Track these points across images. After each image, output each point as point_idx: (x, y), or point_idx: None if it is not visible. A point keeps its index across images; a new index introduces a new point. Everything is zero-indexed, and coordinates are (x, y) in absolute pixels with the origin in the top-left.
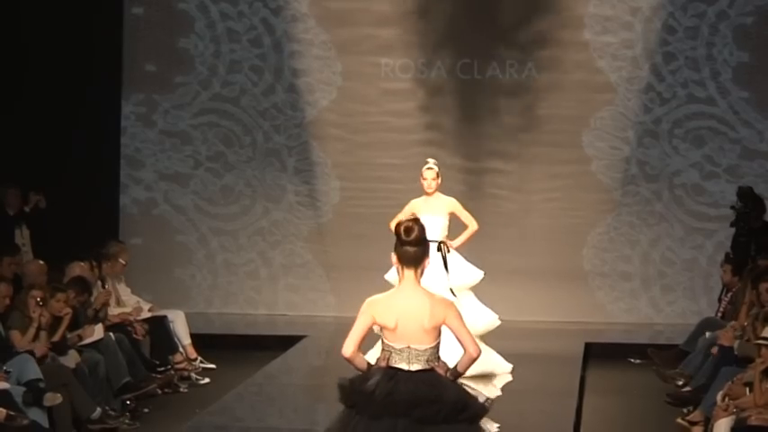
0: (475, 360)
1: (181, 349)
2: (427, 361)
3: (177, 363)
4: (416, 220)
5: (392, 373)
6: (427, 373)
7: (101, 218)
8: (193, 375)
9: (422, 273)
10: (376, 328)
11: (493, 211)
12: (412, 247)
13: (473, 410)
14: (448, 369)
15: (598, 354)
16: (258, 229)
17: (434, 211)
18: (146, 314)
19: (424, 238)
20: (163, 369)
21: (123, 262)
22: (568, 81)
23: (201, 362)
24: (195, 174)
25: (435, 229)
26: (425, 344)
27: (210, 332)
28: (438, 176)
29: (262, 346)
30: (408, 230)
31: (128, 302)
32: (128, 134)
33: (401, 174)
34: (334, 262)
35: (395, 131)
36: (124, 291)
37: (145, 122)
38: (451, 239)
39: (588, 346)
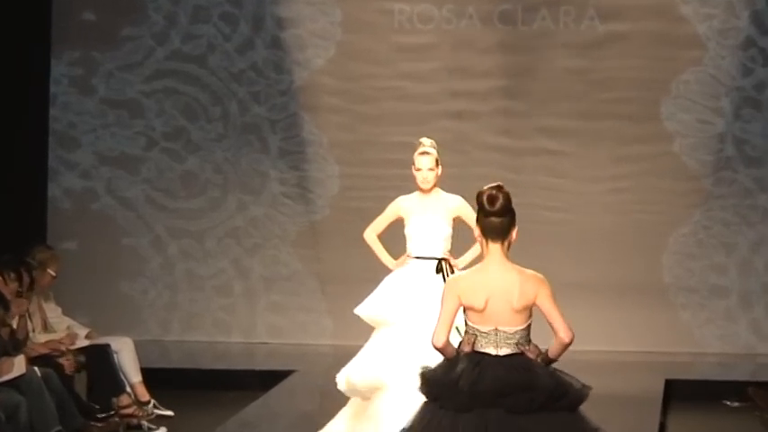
0: (567, 346)
1: (128, 389)
2: (517, 344)
3: (123, 407)
4: (500, 187)
5: (478, 358)
6: (517, 358)
7: (22, 214)
8: (145, 424)
9: (509, 246)
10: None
11: (543, 206)
12: (497, 217)
13: (571, 397)
14: (539, 353)
15: (683, 394)
16: (231, 229)
17: (433, 214)
18: (82, 342)
19: (510, 206)
20: (104, 415)
21: (53, 273)
22: (642, 33)
23: (155, 406)
24: (148, 156)
25: (434, 241)
26: (515, 325)
27: (168, 366)
28: (438, 165)
29: (236, 385)
30: (492, 199)
31: (58, 326)
32: (58, 104)
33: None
34: (331, 273)
35: (412, 100)
36: (53, 311)
37: (81, 88)
38: (456, 256)
39: (670, 384)
